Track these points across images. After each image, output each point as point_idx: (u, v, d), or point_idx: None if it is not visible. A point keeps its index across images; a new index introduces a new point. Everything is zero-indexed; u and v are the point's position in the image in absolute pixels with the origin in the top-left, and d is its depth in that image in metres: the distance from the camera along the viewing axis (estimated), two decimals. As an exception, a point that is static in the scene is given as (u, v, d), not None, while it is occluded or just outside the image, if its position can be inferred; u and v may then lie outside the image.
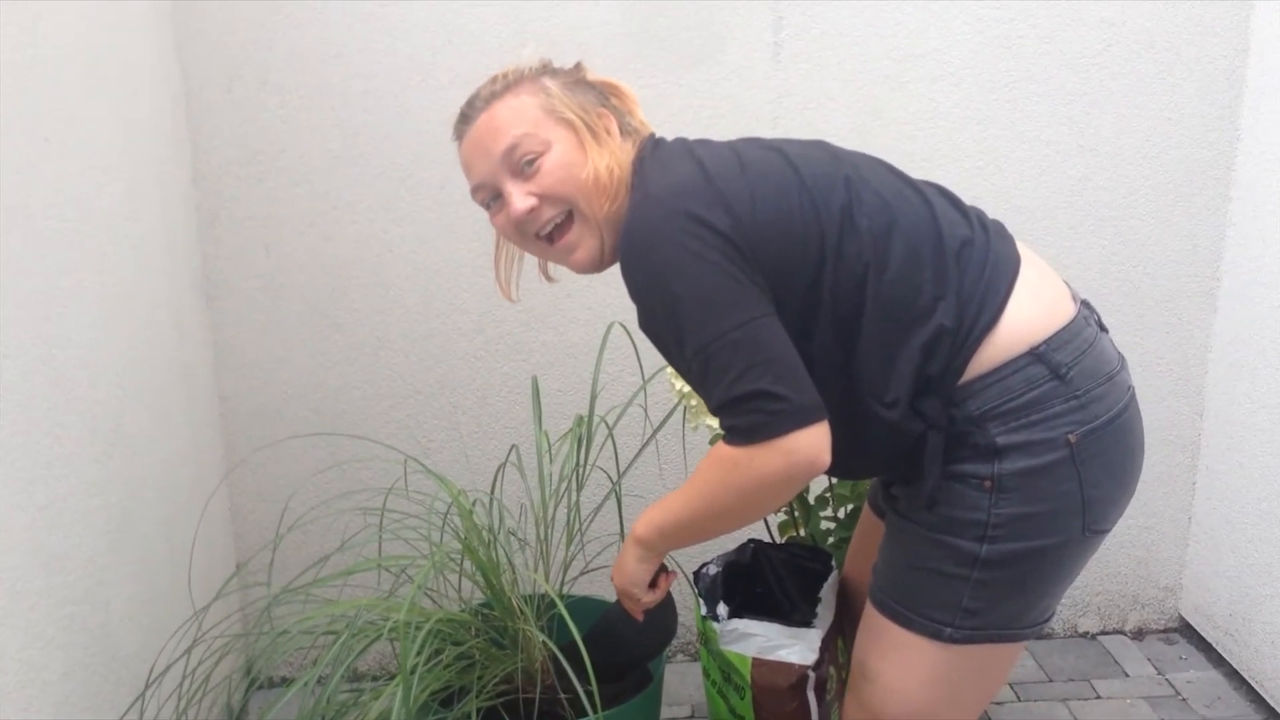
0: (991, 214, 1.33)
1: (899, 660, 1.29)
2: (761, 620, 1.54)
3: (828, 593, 1.61)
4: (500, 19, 1.96)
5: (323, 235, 2.05)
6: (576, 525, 1.66)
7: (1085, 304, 1.30)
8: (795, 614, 1.65)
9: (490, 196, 1.28)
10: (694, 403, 1.67)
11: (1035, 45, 2.05)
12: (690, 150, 1.23)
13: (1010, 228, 1.32)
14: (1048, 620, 1.30)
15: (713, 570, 1.68)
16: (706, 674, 1.68)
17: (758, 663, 1.53)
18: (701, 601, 1.62)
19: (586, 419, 1.66)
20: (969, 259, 1.22)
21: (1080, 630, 2.37)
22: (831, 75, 2.04)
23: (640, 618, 1.41)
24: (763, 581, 1.73)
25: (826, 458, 1.13)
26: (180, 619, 1.68)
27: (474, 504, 1.58)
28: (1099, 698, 2.14)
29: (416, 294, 2.09)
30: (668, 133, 1.32)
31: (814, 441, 1.12)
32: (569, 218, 1.25)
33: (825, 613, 1.58)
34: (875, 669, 1.31)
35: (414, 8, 1.95)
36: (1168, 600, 2.37)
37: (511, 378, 2.15)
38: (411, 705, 1.28)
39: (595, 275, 1.32)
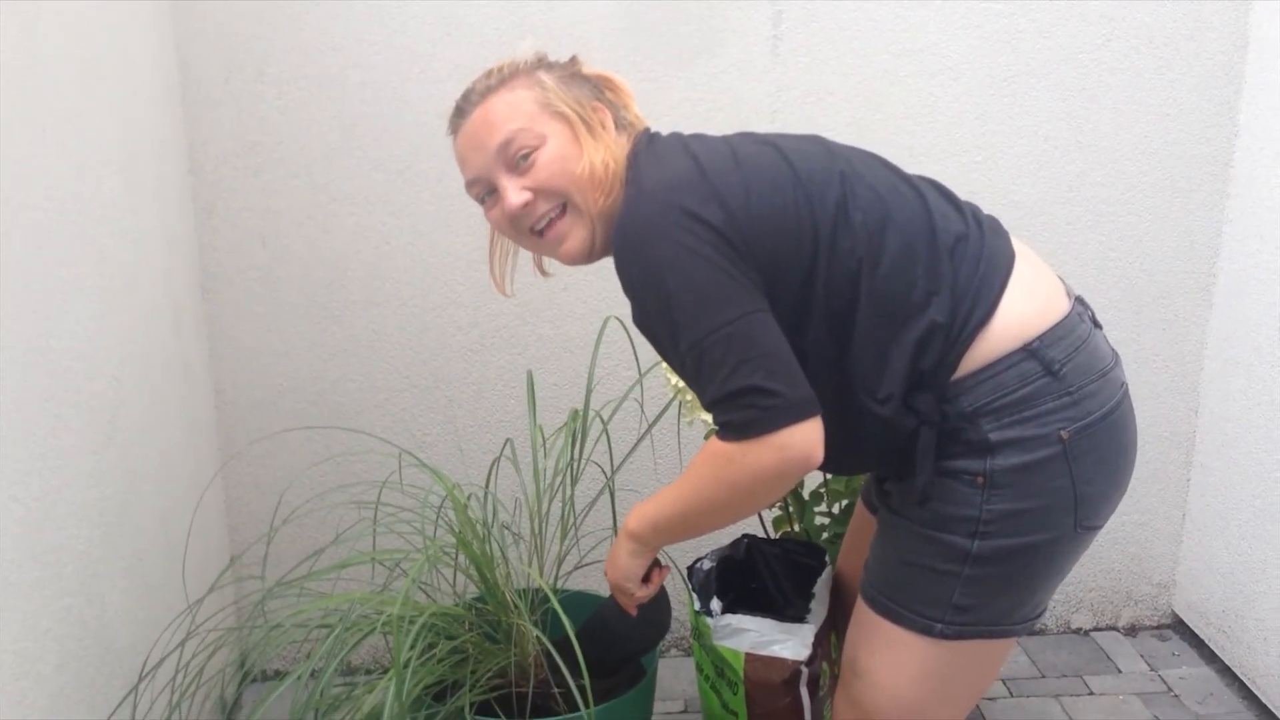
0: (989, 209, 1.33)
1: (890, 656, 1.29)
2: (755, 615, 1.55)
3: (821, 588, 1.61)
4: (500, 11, 1.96)
5: (320, 228, 2.05)
6: (571, 520, 1.66)
7: (1079, 300, 1.30)
8: (789, 609, 1.65)
9: (485, 191, 1.28)
10: (689, 398, 1.67)
11: (1034, 40, 2.05)
12: (685, 145, 1.22)
13: (1007, 223, 1.32)
14: (1039, 616, 1.30)
15: (706, 565, 1.68)
16: (700, 669, 1.69)
17: (751, 658, 1.54)
18: (695, 596, 1.63)
19: (581, 413, 1.66)
20: (963, 254, 1.22)
21: (1073, 626, 2.38)
22: (830, 69, 2.03)
23: (634, 612, 1.41)
24: (757, 577, 1.73)
25: (820, 453, 1.13)
26: (175, 612, 1.69)
27: (468, 498, 1.58)
28: (1091, 694, 2.14)
29: (413, 287, 2.09)
30: (667, 127, 1.32)
31: (807, 437, 1.12)
32: (563, 211, 1.25)
33: (819, 608, 1.59)
34: (866, 665, 1.32)
35: (412, 0, 1.95)
36: (1161, 596, 2.37)
37: (507, 371, 2.15)
38: (405, 699, 1.28)
39: (591, 269, 1.32)
